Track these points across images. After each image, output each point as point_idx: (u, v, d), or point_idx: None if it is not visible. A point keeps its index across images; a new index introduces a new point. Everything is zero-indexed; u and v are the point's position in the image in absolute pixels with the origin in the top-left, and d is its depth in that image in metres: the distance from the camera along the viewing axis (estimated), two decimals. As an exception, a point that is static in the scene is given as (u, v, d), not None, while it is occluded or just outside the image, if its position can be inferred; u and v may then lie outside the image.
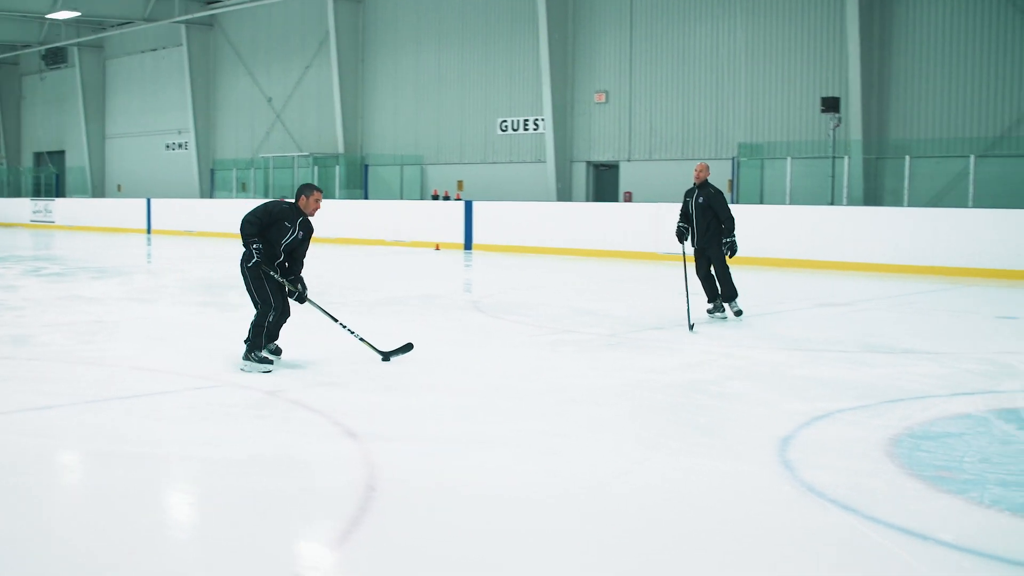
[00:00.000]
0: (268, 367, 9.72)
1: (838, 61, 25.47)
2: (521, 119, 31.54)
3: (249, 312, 10.49)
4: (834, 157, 24.42)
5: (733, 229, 13.26)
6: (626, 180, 29.38)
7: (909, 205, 22.89)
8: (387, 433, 7.38)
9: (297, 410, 8.13)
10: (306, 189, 10.43)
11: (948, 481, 6.24)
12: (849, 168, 24.35)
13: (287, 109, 38.08)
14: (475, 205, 27.01)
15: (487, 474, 6.44)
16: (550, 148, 30.12)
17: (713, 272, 13.48)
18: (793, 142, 26.09)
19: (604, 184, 30.39)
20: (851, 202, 24.01)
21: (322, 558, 5.12)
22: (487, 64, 32.24)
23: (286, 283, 9.97)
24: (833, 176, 24.36)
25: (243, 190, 38.49)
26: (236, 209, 34.61)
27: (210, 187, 40.75)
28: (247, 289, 9.93)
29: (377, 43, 35.16)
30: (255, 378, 9.42)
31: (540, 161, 30.75)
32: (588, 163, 30.38)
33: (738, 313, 13.45)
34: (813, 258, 21.77)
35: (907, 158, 23.40)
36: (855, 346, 11.32)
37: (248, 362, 9.80)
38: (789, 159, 24.75)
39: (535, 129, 31.11)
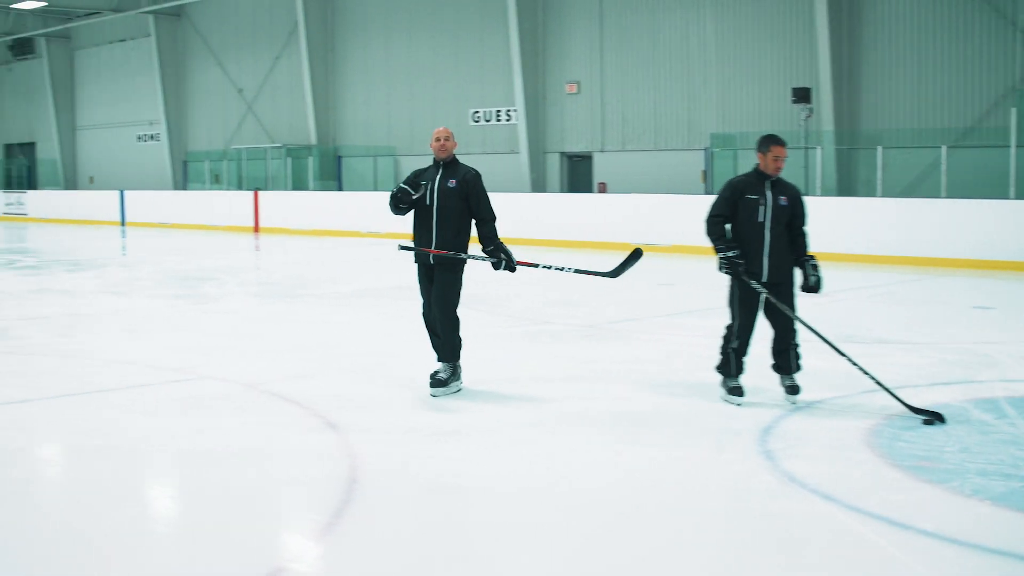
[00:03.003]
0: (739, 399, 8.16)
1: (808, 52, 25.52)
2: (493, 110, 31.49)
3: (221, 307, 10.44)
4: (806, 148, 24.45)
5: (496, 232, 8.70)
6: (600, 170, 29.36)
7: (883, 195, 22.97)
8: (367, 425, 7.38)
9: (277, 402, 8.12)
10: (765, 143, 8.33)
11: (928, 471, 6.27)
12: (822, 159, 24.40)
13: (258, 100, 37.88)
14: (450, 196, 26.84)
15: (467, 465, 6.44)
16: (523, 139, 30.09)
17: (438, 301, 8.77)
18: (765, 132, 26.16)
19: (578, 175, 30.37)
20: (824, 192, 24.04)
21: (305, 550, 5.12)
22: (458, 54, 32.16)
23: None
24: (806, 167, 24.38)
25: (216, 182, 38.31)
26: (209, 201, 34.52)
27: (183, 179, 40.55)
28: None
29: (347, 33, 34.99)
30: (232, 371, 9.39)
31: (513, 152, 30.72)
32: (561, 154, 30.37)
33: (440, 383, 8.48)
34: (787, 248, 21.76)
35: (879, 148, 23.45)
36: (833, 337, 11.35)
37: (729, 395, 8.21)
38: (762, 150, 24.72)
39: (507, 120, 31.08)
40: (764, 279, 7.99)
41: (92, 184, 45.66)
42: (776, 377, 8.28)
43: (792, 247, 8.13)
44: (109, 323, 12.75)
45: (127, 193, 37.33)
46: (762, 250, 7.96)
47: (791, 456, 6.58)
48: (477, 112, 31.69)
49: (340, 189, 33.98)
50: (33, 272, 19.53)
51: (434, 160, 8.84)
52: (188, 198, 36.54)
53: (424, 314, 8.84)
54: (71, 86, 47.11)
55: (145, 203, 36.50)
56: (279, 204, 31.58)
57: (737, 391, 8.13)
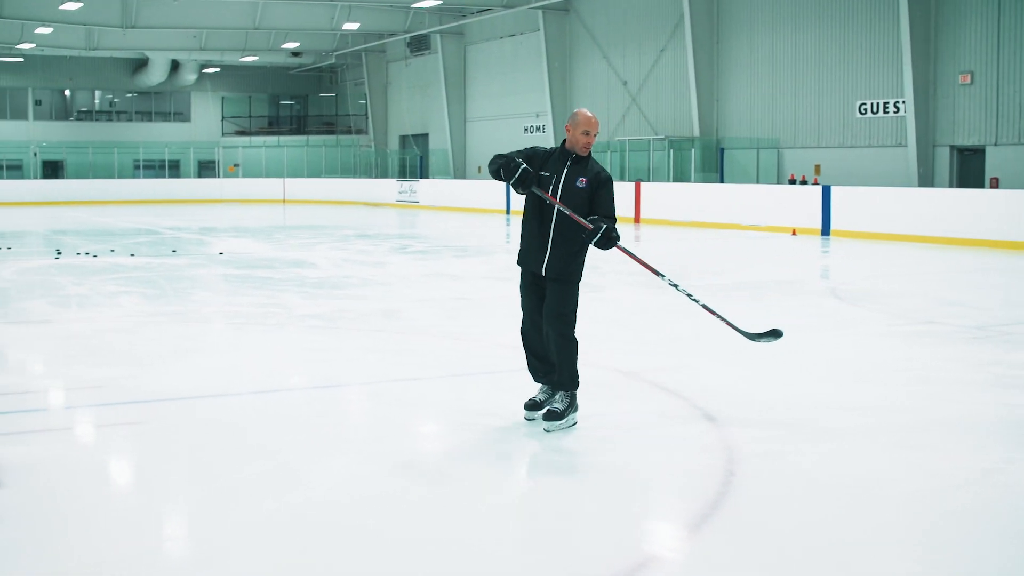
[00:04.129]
0: None
1: None
2: (880, 102, 30.63)
3: (602, 295, 10.59)
4: None
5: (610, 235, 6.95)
6: (993, 165, 28.10)
7: None
8: (745, 418, 7.37)
9: (655, 391, 8.22)
10: None
11: None
12: None
13: (642, 92, 38.23)
14: (833, 190, 26.43)
15: (844, 464, 6.32)
16: (911, 131, 29.13)
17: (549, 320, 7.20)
18: None
19: (969, 169, 29.16)
20: None
21: (680, 540, 5.15)
22: (845, 44, 31.41)
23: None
24: None
25: (600, 173, 38.93)
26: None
27: (569, 170, 41.39)
28: None
29: (732, 25, 34.84)
30: (612, 359, 9.54)
31: (900, 145, 29.81)
32: (951, 147, 29.24)
33: (555, 416, 7.11)
34: None
35: None
36: None
37: None
38: None
39: (895, 112, 30.17)
40: None
41: (480, 174, 47.32)
42: None
43: None
44: (494, 308, 13.20)
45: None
46: None
47: None
48: (864, 104, 30.89)
49: (722, 181, 33.90)
50: (423, 257, 20.44)
51: (562, 147, 7.27)
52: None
53: (524, 331, 7.44)
54: (463, 80, 48.94)
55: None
56: (660, 195, 31.84)
57: None
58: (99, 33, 46.94)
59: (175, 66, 56.60)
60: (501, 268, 18.10)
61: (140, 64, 56.79)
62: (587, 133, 7.12)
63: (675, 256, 20.61)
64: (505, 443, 6.81)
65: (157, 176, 55.77)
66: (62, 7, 39.01)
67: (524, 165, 6.99)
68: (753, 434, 6.94)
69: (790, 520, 5.37)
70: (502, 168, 7.04)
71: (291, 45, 51.17)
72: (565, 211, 7.01)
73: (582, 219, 6.98)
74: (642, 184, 32.71)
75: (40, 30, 44.29)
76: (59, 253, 20.68)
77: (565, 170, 7.15)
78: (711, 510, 5.48)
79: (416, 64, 52.50)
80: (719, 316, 7.70)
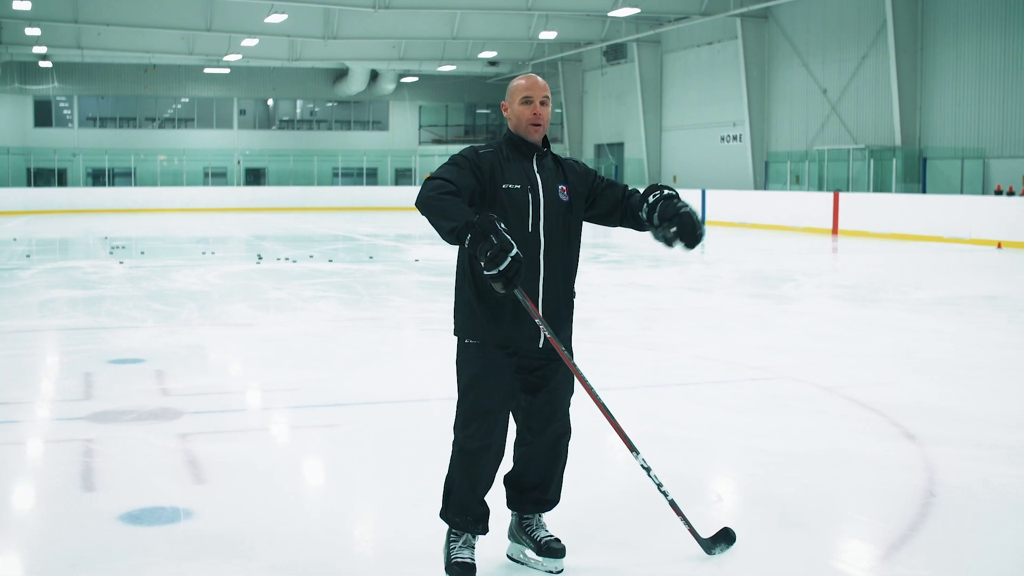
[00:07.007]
0: None
1: None
2: (1095, 110, 29.54)
3: (799, 308, 10.37)
4: None
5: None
6: None
7: None
8: (947, 436, 7.11)
9: (854, 407, 8.00)
10: None
11: None
12: None
13: (842, 101, 37.47)
14: (1042, 201, 25.58)
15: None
16: None
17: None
18: None
19: None
20: None
21: (875, 560, 4.97)
22: (1058, 49, 30.39)
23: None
24: None
25: (796, 183, 38.38)
26: (788, 201, 34.68)
27: (763, 179, 40.93)
28: None
29: (937, 31, 33.88)
30: (810, 373, 9.34)
31: (1117, 156, 28.70)
32: None
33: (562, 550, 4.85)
34: None
35: None
36: None
37: None
38: None
39: (1111, 120, 29.05)
40: None
41: (675, 183, 47.08)
42: None
43: None
44: (689, 319, 13.11)
45: (708, 192, 38.20)
46: None
47: None
48: (1078, 113, 29.79)
49: (924, 192, 33.04)
50: (617, 266, 20.36)
51: (508, 140, 4.64)
52: (767, 198, 36.84)
53: (486, 447, 4.74)
54: (659, 88, 48.77)
55: (725, 202, 37.22)
56: (859, 206, 31.18)
57: None
58: (301, 44, 48.26)
59: (374, 76, 57.75)
60: (696, 279, 17.94)
61: (340, 74, 58.11)
62: (528, 100, 4.55)
63: (873, 268, 20.13)
64: (696, 455, 6.71)
65: (355, 183, 57.08)
66: (267, 20, 40.09)
67: (515, 250, 4.18)
68: (955, 454, 6.69)
69: (991, 545, 5.15)
70: (472, 237, 4.18)
71: (488, 54, 51.66)
72: (557, 347, 4.88)
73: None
74: (841, 194, 32.09)
75: (246, 42, 45.66)
76: (260, 258, 21.25)
77: (538, 175, 4.60)
78: (910, 531, 5.30)
79: (612, 73, 52.51)
80: (684, 519, 4.95)
